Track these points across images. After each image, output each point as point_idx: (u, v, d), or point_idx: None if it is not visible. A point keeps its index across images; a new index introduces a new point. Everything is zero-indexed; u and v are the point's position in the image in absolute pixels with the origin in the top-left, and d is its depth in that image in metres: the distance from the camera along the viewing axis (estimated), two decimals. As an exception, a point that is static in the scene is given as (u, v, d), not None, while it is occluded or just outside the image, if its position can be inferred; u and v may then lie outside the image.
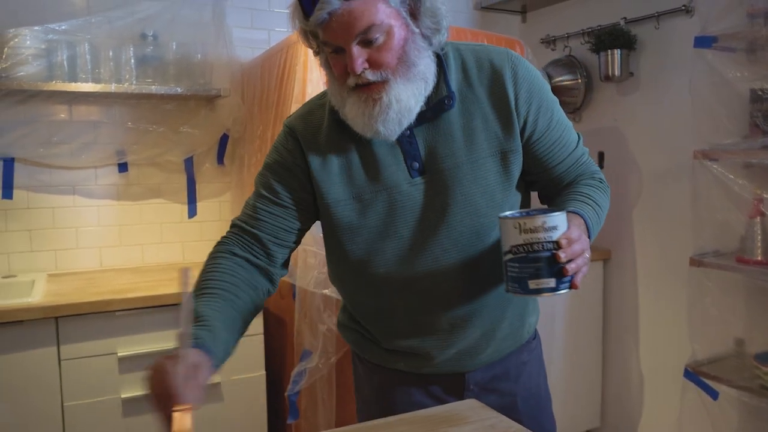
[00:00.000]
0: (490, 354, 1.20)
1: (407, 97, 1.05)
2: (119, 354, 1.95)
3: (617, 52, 2.55)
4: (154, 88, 2.27)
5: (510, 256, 0.97)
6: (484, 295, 1.15)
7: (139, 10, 2.29)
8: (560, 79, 2.82)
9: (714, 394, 2.16)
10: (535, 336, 1.32)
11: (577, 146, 1.21)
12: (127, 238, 2.48)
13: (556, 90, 2.74)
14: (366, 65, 1.03)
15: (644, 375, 2.66)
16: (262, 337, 2.17)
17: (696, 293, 2.23)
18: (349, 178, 1.14)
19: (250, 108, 2.40)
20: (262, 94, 2.26)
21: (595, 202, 1.14)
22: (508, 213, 1.01)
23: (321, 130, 1.15)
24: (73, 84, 2.17)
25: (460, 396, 1.22)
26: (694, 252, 2.21)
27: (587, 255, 0.98)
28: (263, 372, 2.18)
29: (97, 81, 2.22)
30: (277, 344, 2.30)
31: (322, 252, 1.87)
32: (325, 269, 1.85)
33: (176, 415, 0.81)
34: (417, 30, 1.05)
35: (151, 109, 2.41)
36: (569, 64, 2.84)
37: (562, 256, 0.94)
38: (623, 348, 2.75)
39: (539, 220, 0.94)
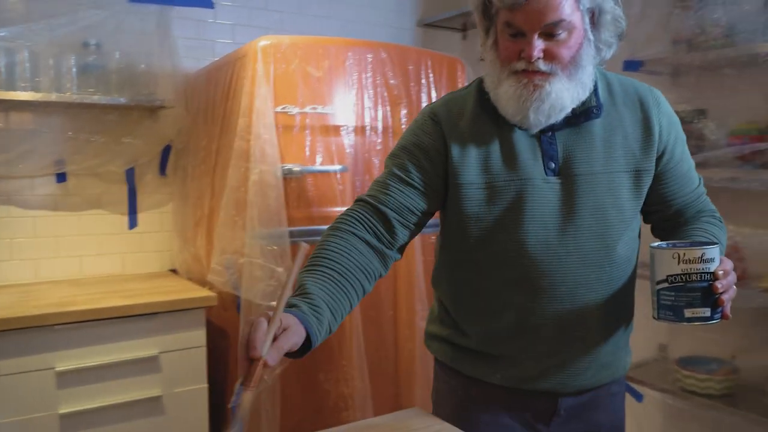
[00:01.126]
0: (588, 378, 1.20)
1: (566, 96, 1.10)
2: (57, 369, 1.91)
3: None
4: (96, 98, 2.24)
5: (665, 284, 1.01)
6: (599, 307, 1.16)
7: (81, 17, 2.25)
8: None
9: (639, 397, 2.28)
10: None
11: (699, 184, 1.27)
12: (64, 250, 2.42)
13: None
14: (541, 54, 1.07)
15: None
16: (204, 350, 2.16)
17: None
18: (485, 164, 1.15)
19: (195, 119, 2.40)
20: (207, 106, 2.26)
21: (717, 239, 1.18)
22: (662, 243, 1.05)
23: (463, 117, 1.18)
24: (12, 92, 2.11)
25: (547, 424, 1.22)
26: (622, 263, 2.33)
27: (736, 288, 1.03)
28: (205, 384, 2.17)
29: (36, 89, 2.17)
30: (220, 356, 2.30)
31: (269, 265, 1.89)
32: (274, 282, 1.88)
33: (256, 366, 0.87)
34: (592, 38, 1.11)
35: (92, 119, 2.37)
36: (507, 82, 2.95)
37: (720, 287, 0.98)
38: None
39: (699, 252, 0.99)
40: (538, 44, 1.07)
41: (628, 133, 1.16)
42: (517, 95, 1.10)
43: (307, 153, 1.97)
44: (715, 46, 2.03)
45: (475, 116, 1.17)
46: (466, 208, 1.16)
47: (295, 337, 0.93)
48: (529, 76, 1.09)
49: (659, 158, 1.18)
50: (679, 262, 1.00)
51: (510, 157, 1.15)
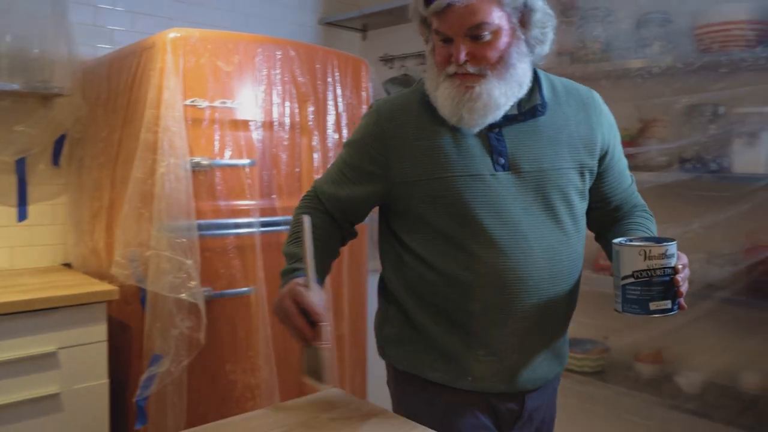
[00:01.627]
0: (544, 369, 1.23)
1: (498, 95, 1.14)
2: (-56, 367, 1.81)
3: (448, 76, 2.83)
4: (-16, 83, 2.13)
5: (631, 279, 1.06)
6: (560, 300, 1.20)
7: (-31, -2, 2.13)
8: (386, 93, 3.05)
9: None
10: None
11: (632, 180, 1.35)
12: (-55, 242, 2.27)
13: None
14: (467, 57, 1.12)
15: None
16: (105, 344, 2.12)
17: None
18: (432, 161, 1.18)
19: (93, 109, 2.33)
20: (108, 95, 2.21)
21: (652, 232, 1.26)
22: (623, 240, 1.10)
23: (409, 116, 1.22)
24: None
25: (511, 428, 1.25)
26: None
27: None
28: (106, 380, 2.12)
29: None
30: (122, 351, 2.26)
31: (177, 257, 1.89)
32: (182, 274, 1.88)
33: (322, 328, 1.09)
34: (523, 37, 1.15)
35: (-20, 105, 2.24)
36: (405, 82, 3.08)
37: (680, 280, 1.05)
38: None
39: (663, 248, 1.05)
40: (464, 48, 1.12)
41: (572, 131, 1.21)
42: (451, 97, 1.15)
43: (216, 147, 1.99)
44: (594, 60, 2.25)
45: (420, 115, 1.21)
46: (415, 206, 1.19)
47: (322, 296, 1.14)
48: (461, 78, 1.14)
49: (602, 157, 1.24)
50: (645, 259, 1.05)
51: (457, 154, 1.17)
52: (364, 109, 2.41)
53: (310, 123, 2.20)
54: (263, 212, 2.09)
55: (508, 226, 1.16)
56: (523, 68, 1.16)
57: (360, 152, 1.25)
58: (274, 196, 2.13)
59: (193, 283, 1.86)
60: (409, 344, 1.27)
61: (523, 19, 1.15)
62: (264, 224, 2.08)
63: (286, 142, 2.15)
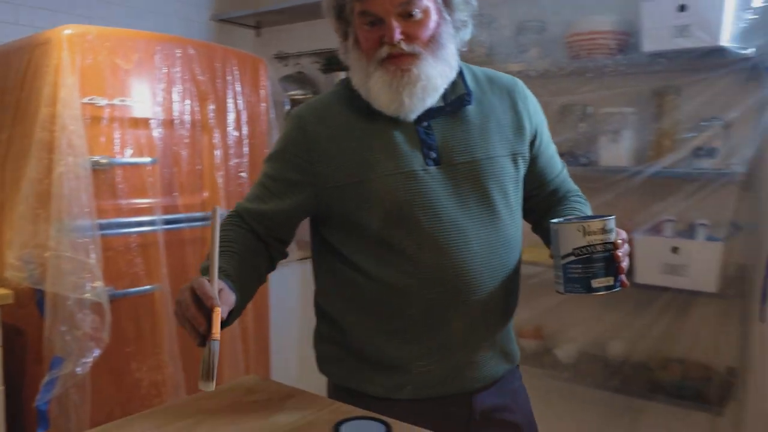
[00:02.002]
0: (492, 368, 1.20)
1: (435, 75, 1.11)
2: None
3: (342, 75, 2.93)
4: None
5: (572, 258, 1.03)
6: (500, 293, 1.18)
7: None
8: (293, 92, 3.11)
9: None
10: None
11: (563, 165, 1.34)
12: None
13: (291, 102, 3.02)
14: (402, 36, 1.08)
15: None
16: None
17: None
18: (361, 162, 1.13)
19: (-24, 105, 2.22)
20: (-5, 92, 2.12)
21: (587, 214, 1.25)
22: (561, 219, 1.08)
23: (333, 115, 1.17)
24: None
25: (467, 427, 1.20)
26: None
27: None
28: (1, 387, 2.06)
29: None
30: (16, 356, 2.18)
31: (79, 257, 1.87)
32: (85, 274, 1.87)
33: (215, 314, 0.95)
34: (449, 18, 1.13)
35: None
36: (300, 79, 3.15)
37: (620, 255, 1.02)
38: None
39: (601, 223, 1.02)
40: (397, 26, 1.08)
41: (500, 119, 1.19)
42: (388, 83, 1.10)
43: (117, 145, 1.98)
44: (479, 63, 2.42)
45: (344, 115, 1.17)
46: (348, 212, 1.15)
47: (231, 297, 1.03)
48: (395, 62, 1.10)
49: (532, 142, 1.23)
50: (584, 235, 1.02)
51: (386, 151, 1.14)
52: (263, 107, 2.46)
53: (211, 121, 2.23)
54: (165, 210, 2.10)
55: (444, 223, 1.13)
56: (452, 50, 1.15)
57: (283, 163, 1.18)
58: (176, 193, 2.14)
59: (97, 283, 1.86)
60: (346, 359, 1.24)
61: (448, 3, 1.14)
62: (167, 222, 2.10)
63: (186, 140, 2.17)
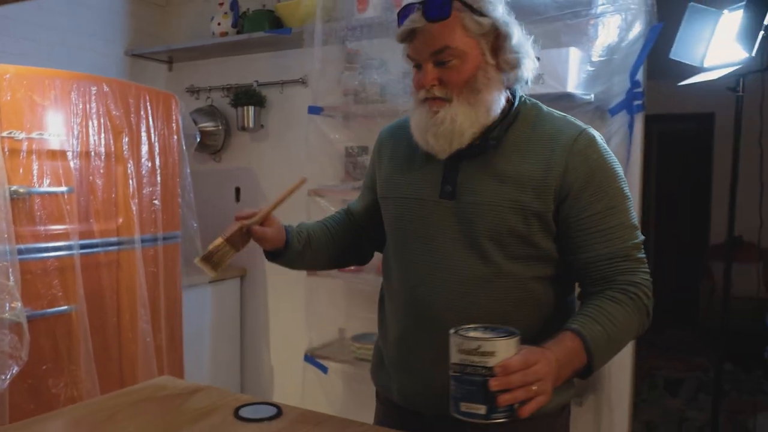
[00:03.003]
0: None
1: (462, 120, 1.15)
2: None
3: (251, 108, 3.17)
4: None
5: (450, 372, 0.95)
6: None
7: None
8: (204, 125, 3.31)
9: (325, 370, 2.89)
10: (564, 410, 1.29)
11: (622, 247, 1.15)
12: None
13: (202, 134, 3.22)
14: (435, 82, 1.15)
15: (274, 365, 3.30)
16: None
17: (311, 296, 2.94)
18: (396, 180, 1.29)
19: None
20: None
21: (611, 321, 1.10)
22: (461, 327, 0.98)
23: (396, 138, 1.34)
24: None
25: None
26: (310, 265, 2.92)
27: (537, 387, 0.94)
28: None
29: None
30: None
31: (-1, 280, 2.01)
32: (4, 295, 2.01)
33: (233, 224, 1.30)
34: (492, 62, 1.16)
35: None
36: (211, 112, 3.36)
37: (494, 384, 0.91)
38: (256, 346, 3.35)
39: (475, 343, 0.92)
40: (431, 72, 1.15)
41: (524, 171, 1.16)
42: (420, 122, 1.19)
43: (35, 175, 2.13)
44: (373, 101, 2.74)
45: (405, 140, 1.28)
46: (384, 219, 1.35)
47: (274, 229, 1.32)
48: (429, 104, 1.17)
49: (562, 203, 1.16)
50: (458, 351, 0.94)
51: (413, 177, 1.25)
52: (175, 139, 2.66)
53: (126, 153, 2.41)
54: (82, 235, 2.25)
55: (429, 253, 1.22)
56: (493, 95, 1.17)
57: (368, 171, 1.46)
58: (92, 220, 2.30)
59: (15, 304, 1.99)
60: (376, 359, 1.42)
61: (495, 44, 1.16)
62: (83, 246, 2.25)
63: (102, 170, 2.34)
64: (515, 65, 1.17)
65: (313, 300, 2.93)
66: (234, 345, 3.33)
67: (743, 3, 1.89)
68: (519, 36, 1.18)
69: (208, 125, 3.31)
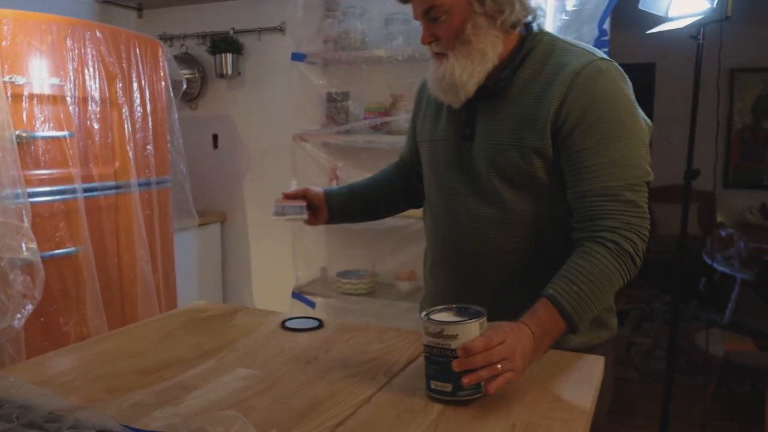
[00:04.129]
0: None
1: (460, 72, 1.20)
2: None
3: (229, 56, 3.22)
4: None
5: (423, 352, 1.02)
6: (481, 273, 1.29)
7: None
8: (181, 72, 3.34)
9: (312, 305, 3.07)
10: None
11: (603, 180, 1.14)
12: None
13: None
14: (432, 39, 1.22)
15: (257, 303, 3.45)
16: None
17: (298, 237, 3.09)
18: (430, 127, 1.37)
19: None
20: None
21: (588, 279, 1.11)
22: (432, 309, 1.03)
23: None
24: None
25: None
26: (295, 208, 3.05)
27: (502, 365, 0.97)
28: (-74, 349, 2.19)
29: None
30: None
31: (13, 221, 2.07)
32: (19, 237, 2.07)
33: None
34: (480, 10, 1.19)
35: None
36: (186, 60, 3.39)
37: (455, 365, 0.96)
38: (239, 287, 3.49)
39: (438, 326, 0.97)
40: (427, 29, 1.23)
41: (528, 108, 1.20)
42: (431, 77, 1.29)
43: (37, 120, 2.17)
44: (355, 48, 2.85)
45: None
46: (422, 162, 1.44)
47: (316, 198, 1.50)
48: (436, 59, 1.26)
49: (558, 135, 1.17)
50: (425, 333, 1.00)
51: (445, 122, 1.34)
52: (162, 85, 2.71)
53: (120, 98, 2.46)
54: (84, 179, 2.32)
55: (445, 191, 1.34)
56: (486, 41, 1.21)
57: (411, 118, 1.54)
58: (91, 164, 2.36)
59: (31, 244, 2.06)
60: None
61: None
62: (86, 190, 2.32)
63: (98, 115, 2.39)
64: (504, 9, 1.19)
65: (300, 239, 3.08)
66: (217, 286, 3.46)
67: (706, -43, 2.09)
68: None
69: (184, 72, 3.33)
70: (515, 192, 1.23)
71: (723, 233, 4.80)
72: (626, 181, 1.15)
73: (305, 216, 1.47)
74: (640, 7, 2.23)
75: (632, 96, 1.21)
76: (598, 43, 2.52)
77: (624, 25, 2.66)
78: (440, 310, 1.03)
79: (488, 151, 1.25)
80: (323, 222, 1.55)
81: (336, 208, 1.54)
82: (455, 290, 1.33)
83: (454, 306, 1.05)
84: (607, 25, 2.51)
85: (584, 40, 2.52)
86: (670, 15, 2.23)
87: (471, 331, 0.97)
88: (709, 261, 4.12)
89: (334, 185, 2.94)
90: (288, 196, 1.50)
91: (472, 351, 0.96)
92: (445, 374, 0.98)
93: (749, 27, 5.05)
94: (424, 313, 1.03)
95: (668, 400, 2.50)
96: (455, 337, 0.97)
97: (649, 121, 1.25)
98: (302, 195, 1.50)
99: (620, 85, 1.20)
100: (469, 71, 1.21)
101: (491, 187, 1.25)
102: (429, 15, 1.21)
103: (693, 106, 2.25)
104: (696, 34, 2.22)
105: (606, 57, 1.23)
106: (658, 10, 2.24)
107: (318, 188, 1.54)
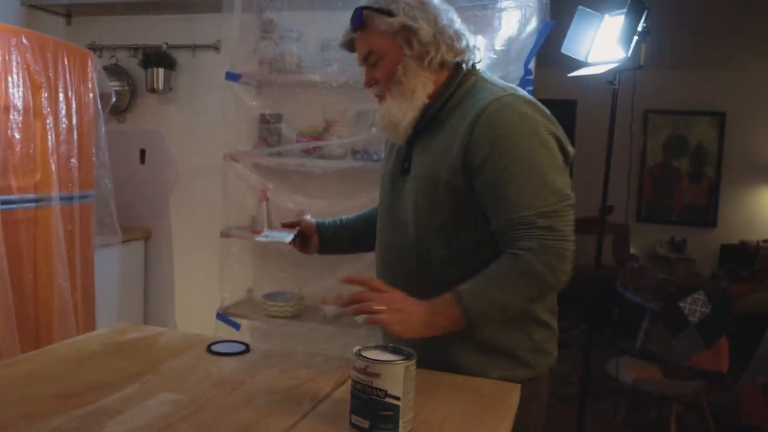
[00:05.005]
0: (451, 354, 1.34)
1: (395, 111, 1.32)
2: None
3: (161, 70, 3.17)
4: None
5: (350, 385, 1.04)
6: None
7: None
8: (109, 84, 3.26)
9: (237, 327, 3.03)
10: None
11: (521, 215, 1.20)
12: None
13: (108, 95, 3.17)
14: (373, 82, 1.35)
15: (179, 324, 3.36)
16: None
17: (225, 257, 3.05)
18: (387, 161, 1.47)
19: None
20: None
21: (491, 281, 1.21)
22: (364, 346, 1.05)
23: None
24: None
25: None
26: (223, 227, 3.02)
27: (385, 310, 1.16)
28: None
29: None
30: None
31: None
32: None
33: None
34: (409, 53, 1.30)
35: None
36: (116, 71, 3.31)
37: (352, 295, 1.19)
38: (161, 307, 3.40)
39: (363, 363, 1.00)
40: (368, 72, 1.36)
41: (445, 143, 1.30)
42: (377, 118, 1.42)
43: (-47, 128, 2.08)
44: (290, 71, 2.87)
45: None
46: None
47: (308, 227, 1.59)
48: (378, 100, 1.39)
49: (471, 173, 1.25)
50: (353, 368, 1.01)
51: (392, 157, 1.46)
52: (90, 97, 2.64)
53: (44, 108, 2.38)
54: (1, 190, 2.23)
55: (382, 223, 1.46)
56: (417, 81, 1.31)
57: None
58: (9, 175, 2.27)
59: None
60: None
61: (408, 37, 1.29)
62: (3, 202, 2.22)
63: (20, 125, 2.30)
64: (430, 51, 1.29)
65: (227, 259, 3.04)
66: (138, 305, 3.36)
67: (623, 11, 2.25)
68: (433, 24, 1.30)
69: (113, 84, 3.25)
70: (420, 220, 1.34)
71: (635, 265, 5.07)
72: (539, 209, 1.20)
73: (289, 238, 1.57)
74: (563, 51, 2.37)
75: (542, 125, 1.26)
76: (524, 82, 2.65)
77: (551, 63, 2.80)
78: (374, 348, 1.05)
79: (413, 183, 1.36)
80: (314, 250, 1.63)
81: (327, 238, 1.63)
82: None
83: (390, 345, 1.07)
84: (532, 65, 2.64)
85: (511, 78, 2.64)
86: (589, 60, 2.38)
87: (395, 372, 0.99)
88: (621, 291, 4.34)
89: (264, 206, 2.94)
90: (285, 225, 1.62)
91: (368, 284, 1.21)
92: (364, 410, 1.00)
93: (663, 72, 5.41)
94: (357, 348, 1.04)
95: (581, 425, 2.61)
96: (378, 375, 0.99)
97: (570, 147, 1.31)
98: (297, 224, 1.62)
99: (526, 116, 1.25)
100: (402, 110, 1.32)
101: (403, 216, 1.37)
102: (368, 60, 1.34)
103: (608, 146, 2.40)
104: (612, 79, 2.38)
105: (516, 92, 1.30)
106: (578, 56, 2.38)
107: (311, 219, 1.64)
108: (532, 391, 1.34)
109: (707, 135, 6.20)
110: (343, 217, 1.68)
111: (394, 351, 1.05)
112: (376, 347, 1.06)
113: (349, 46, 1.40)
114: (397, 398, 0.99)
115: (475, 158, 1.23)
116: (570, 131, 5.91)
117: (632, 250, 6.20)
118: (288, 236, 1.57)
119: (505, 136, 1.22)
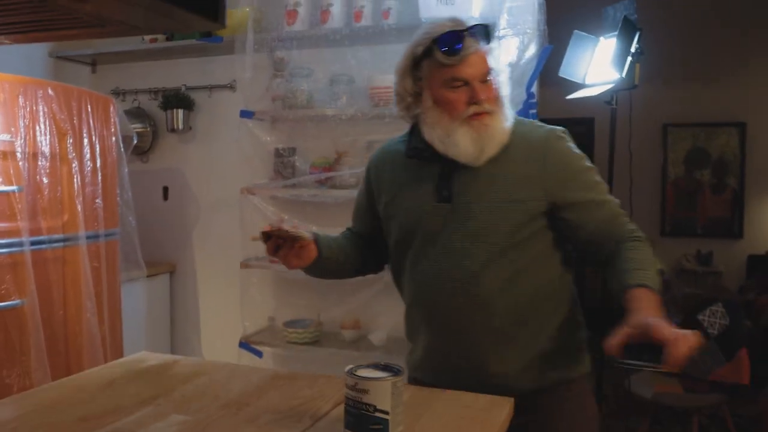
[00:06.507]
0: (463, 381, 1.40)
1: (505, 126, 1.39)
2: None
3: (180, 111, 3.33)
4: None
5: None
6: (473, 319, 1.42)
7: None
8: (132, 126, 3.43)
9: (260, 354, 3.12)
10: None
11: (605, 207, 1.43)
12: None
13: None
14: (484, 96, 1.35)
15: (205, 354, 3.47)
16: None
17: (245, 287, 3.16)
18: (398, 199, 1.49)
19: None
20: None
21: (648, 262, 1.36)
22: (357, 366, 1.10)
23: (393, 162, 1.52)
24: None
25: None
26: (243, 258, 3.13)
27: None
28: None
29: None
30: None
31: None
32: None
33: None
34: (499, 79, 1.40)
35: None
36: (138, 114, 3.48)
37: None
38: (187, 337, 3.52)
39: (353, 380, 1.06)
40: (482, 89, 1.35)
41: (514, 169, 1.39)
42: (474, 138, 1.36)
43: (-14, 175, 2.23)
44: (301, 107, 3.00)
45: (394, 162, 1.53)
46: (390, 235, 1.54)
47: (303, 239, 1.47)
48: (480, 118, 1.36)
49: (551, 190, 1.38)
50: (345, 385, 1.07)
51: (411, 186, 1.47)
52: (113, 140, 2.80)
53: (70, 153, 2.53)
54: (32, 232, 2.37)
55: (434, 254, 1.44)
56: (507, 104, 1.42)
57: (359, 198, 1.67)
58: (39, 217, 2.42)
59: (-26, 297, 2.10)
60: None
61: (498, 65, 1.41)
62: (33, 243, 2.37)
63: (48, 170, 2.46)
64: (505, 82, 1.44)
65: (247, 289, 3.15)
66: (165, 337, 3.48)
67: (615, 33, 2.32)
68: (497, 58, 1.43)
69: (136, 126, 3.43)
70: (501, 240, 1.40)
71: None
72: (607, 202, 1.47)
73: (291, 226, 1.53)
74: (561, 74, 2.44)
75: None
76: (527, 105, 2.72)
77: (562, 83, 2.88)
78: (367, 366, 1.11)
79: (472, 208, 1.41)
80: (310, 260, 1.53)
81: (324, 248, 1.58)
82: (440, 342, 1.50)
83: (381, 363, 1.12)
84: (535, 89, 2.72)
85: (513, 103, 2.72)
86: (587, 82, 2.45)
87: (383, 388, 1.05)
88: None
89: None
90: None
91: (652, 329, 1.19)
92: (356, 424, 1.06)
93: (680, 85, 5.43)
94: (349, 366, 1.09)
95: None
96: (367, 391, 1.04)
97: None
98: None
99: (573, 144, 1.49)
100: (505, 127, 1.40)
101: (475, 240, 1.41)
102: (488, 76, 1.38)
103: (609, 165, 2.45)
104: (610, 99, 2.44)
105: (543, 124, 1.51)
106: (576, 78, 2.45)
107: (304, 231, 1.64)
108: (588, 385, 1.55)
109: (728, 146, 6.16)
110: (335, 239, 1.66)
111: (384, 368, 1.11)
112: (368, 366, 1.11)
113: (459, 58, 1.35)
114: (386, 413, 1.05)
115: (555, 177, 1.39)
116: (589, 149, 5.95)
117: (659, 265, 6.14)
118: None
119: (571, 157, 1.44)
